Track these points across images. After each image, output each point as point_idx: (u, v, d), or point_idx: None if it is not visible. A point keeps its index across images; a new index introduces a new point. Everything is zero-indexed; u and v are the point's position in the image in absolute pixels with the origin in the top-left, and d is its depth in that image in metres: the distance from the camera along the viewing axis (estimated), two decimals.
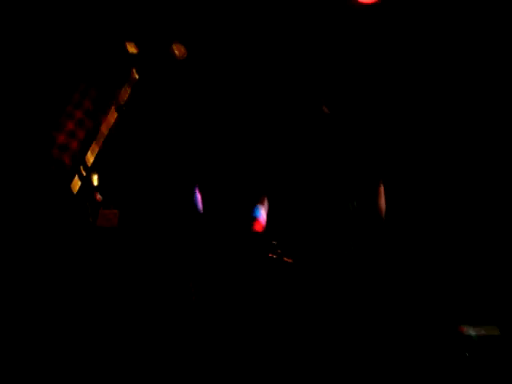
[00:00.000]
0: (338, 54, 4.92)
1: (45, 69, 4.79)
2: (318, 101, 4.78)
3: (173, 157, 4.52)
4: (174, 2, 4.76)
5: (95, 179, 4.80)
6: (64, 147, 5.19)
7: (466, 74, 5.15)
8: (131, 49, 4.62)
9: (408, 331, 4.52)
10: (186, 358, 3.82)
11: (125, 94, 4.67)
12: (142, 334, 3.84)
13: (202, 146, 4.62)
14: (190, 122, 4.69)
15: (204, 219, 4.55)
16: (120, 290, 4.04)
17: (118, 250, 4.12)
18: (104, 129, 4.77)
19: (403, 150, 5.26)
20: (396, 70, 5.04)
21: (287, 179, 4.73)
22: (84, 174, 4.81)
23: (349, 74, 4.98)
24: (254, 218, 4.47)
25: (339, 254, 4.45)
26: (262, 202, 4.58)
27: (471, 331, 4.59)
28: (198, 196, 4.40)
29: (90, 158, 4.86)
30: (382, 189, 4.76)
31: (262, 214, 4.48)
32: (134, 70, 4.63)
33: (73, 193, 4.82)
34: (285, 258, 4.25)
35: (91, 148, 4.83)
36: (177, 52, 4.53)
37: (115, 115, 4.72)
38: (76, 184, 4.88)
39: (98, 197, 4.68)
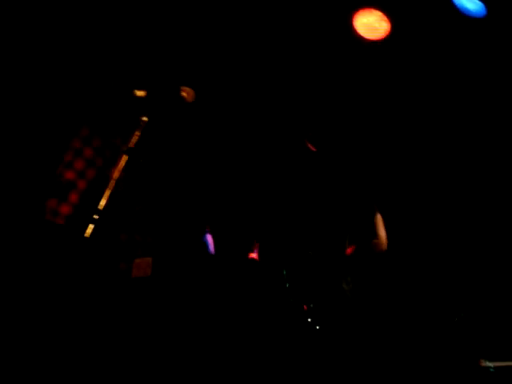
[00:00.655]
0: (332, 91, 4.99)
1: (50, 115, 4.88)
2: (306, 138, 4.82)
3: (183, 200, 4.56)
4: (182, 46, 4.85)
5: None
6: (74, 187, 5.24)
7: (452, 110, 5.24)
8: (140, 93, 4.67)
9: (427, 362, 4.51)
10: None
11: (135, 138, 4.70)
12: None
13: (210, 188, 4.67)
14: (199, 163, 4.74)
15: (215, 260, 4.59)
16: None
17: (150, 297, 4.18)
18: (115, 173, 4.80)
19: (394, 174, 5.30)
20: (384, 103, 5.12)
21: (283, 221, 4.79)
22: (96, 217, 4.83)
23: (338, 110, 5.05)
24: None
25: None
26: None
27: (489, 363, 4.58)
28: (210, 239, 4.44)
29: (102, 202, 4.88)
30: (379, 217, 4.68)
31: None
32: (144, 115, 4.67)
33: (86, 238, 4.84)
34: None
35: (104, 193, 4.87)
36: (186, 95, 4.58)
37: (125, 159, 4.75)
38: (89, 229, 4.91)
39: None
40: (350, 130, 5.11)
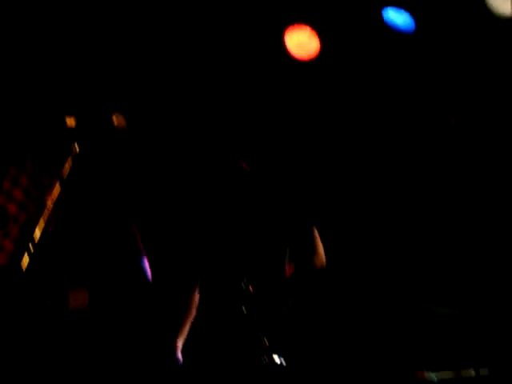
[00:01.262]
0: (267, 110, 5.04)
1: None
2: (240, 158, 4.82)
3: (117, 228, 4.50)
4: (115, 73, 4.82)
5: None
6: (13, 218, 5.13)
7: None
8: (70, 122, 4.62)
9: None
10: None
11: (67, 167, 4.64)
12: None
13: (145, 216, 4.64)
14: (136, 192, 4.71)
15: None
16: None
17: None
18: (49, 203, 4.73)
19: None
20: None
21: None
22: (32, 250, 4.73)
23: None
24: None
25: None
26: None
27: (432, 376, 4.53)
28: (146, 264, 4.38)
29: (37, 234, 4.79)
30: (315, 232, 4.63)
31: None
32: (75, 143, 4.62)
33: (22, 270, 4.73)
34: None
35: (38, 223, 4.78)
36: (116, 122, 4.55)
37: (59, 189, 4.68)
38: (25, 261, 4.80)
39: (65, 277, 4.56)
40: (282, 148, 5.15)
